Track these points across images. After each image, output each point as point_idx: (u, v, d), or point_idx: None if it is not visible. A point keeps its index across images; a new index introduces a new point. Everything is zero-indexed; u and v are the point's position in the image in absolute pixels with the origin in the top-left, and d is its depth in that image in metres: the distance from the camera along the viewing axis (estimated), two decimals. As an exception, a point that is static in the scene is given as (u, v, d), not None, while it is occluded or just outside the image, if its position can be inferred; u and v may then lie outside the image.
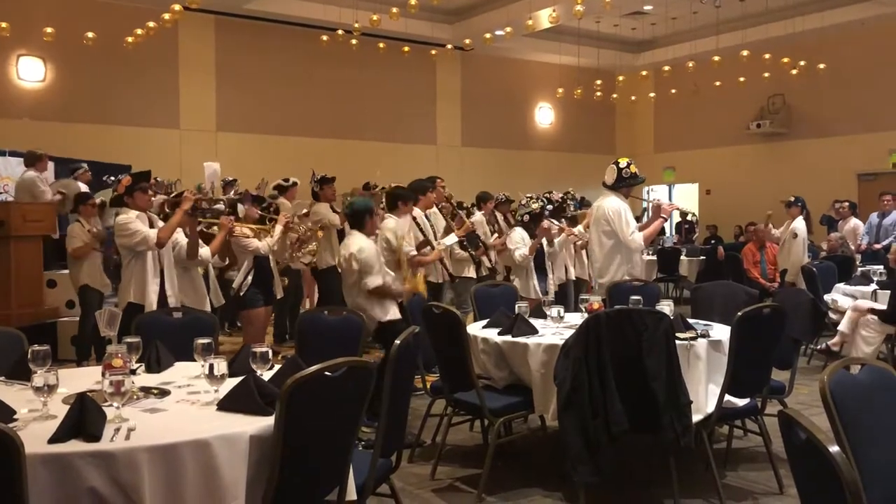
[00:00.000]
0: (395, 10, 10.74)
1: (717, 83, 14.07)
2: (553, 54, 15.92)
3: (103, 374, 2.60)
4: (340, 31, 11.80)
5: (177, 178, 10.19)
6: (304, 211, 7.77)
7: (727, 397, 3.98)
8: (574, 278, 7.58)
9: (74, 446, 2.26)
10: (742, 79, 13.76)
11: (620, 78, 16.58)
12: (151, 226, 5.27)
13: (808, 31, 13.75)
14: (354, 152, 14.27)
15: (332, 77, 14.51)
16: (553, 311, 4.69)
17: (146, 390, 2.94)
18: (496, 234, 8.54)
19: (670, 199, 17.96)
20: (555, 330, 4.45)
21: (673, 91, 15.37)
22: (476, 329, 4.58)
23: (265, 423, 2.47)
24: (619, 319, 3.76)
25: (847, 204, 11.40)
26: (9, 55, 11.94)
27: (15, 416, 2.52)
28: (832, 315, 7.30)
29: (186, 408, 2.75)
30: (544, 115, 18.03)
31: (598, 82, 14.91)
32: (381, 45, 12.63)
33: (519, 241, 6.82)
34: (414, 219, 6.53)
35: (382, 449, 3.02)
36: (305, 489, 2.60)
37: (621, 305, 4.42)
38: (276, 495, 2.44)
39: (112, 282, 7.26)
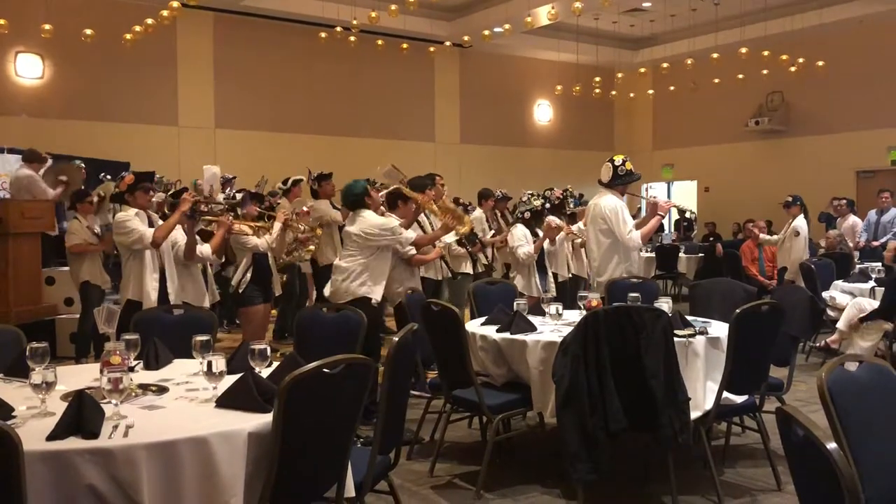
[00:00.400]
0: (393, 6, 10.73)
1: (716, 80, 14.06)
2: (552, 51, 15.91)
3: (102, 372, 2.60)
4: (339, 28, 11.79)
5: (177, 179, 10.17)
6: (305, 208, 7.76)
7: (725, 394, 3.98)
8: (572, 275, 7.58)
9: (73, 443, 2.26)
10: (741, 76, 13.76)
11: (619, 75, 16.57)
12: (151, 224, 5.28)
13: (806, 29, 13.77)
14: (353, 149, 14.26)
15: (331, 74, 14.50)
16: (552, 308, 4.69)
17: (144, 387, 2.94)
18: (493, 232, 8.54)
19: (669, 196, 17.98)
20: (553, 327, 4.45)
21: (671, 88, 15.37)
22: (475, 326, 4.58)
23: (263, 420, 2.47)
24: (617, 317, 3.76)
25: (845, 201, 11.41)
26: (7, 52, 11.92)
27: (13, 413, 2.52)
28: (830, 312, 7.31)
29: (185, 405, 2.75)
30: (543, 113, 18.02)
31: (597, 79, 14.90)
32: (380, 42, 12.61)
33: (521, 239, 6.81)
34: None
35: (381, 446, 3.02)
36: (304, 486, 2.60)
37: (620, 303, 4.42)
38: (275, 492, 2.44)
39: (112, 279, 7.25)
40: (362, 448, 3.18)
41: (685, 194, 17.79)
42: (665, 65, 14.42)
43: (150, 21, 10.44)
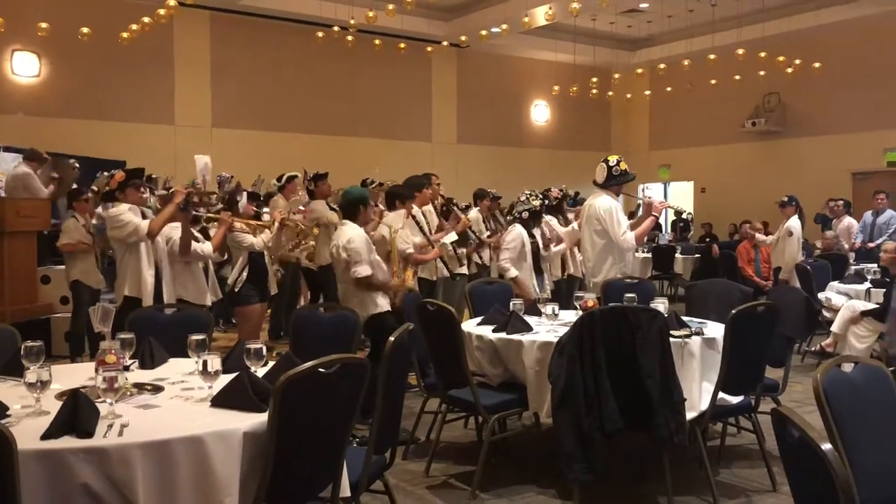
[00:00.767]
0: (391, 6, 10.73)
1: (713, 81, 14.07)
2: (549, 52, 15.91)
3: (97, 371, 2.59)
4: (336, 28, 11.77)
5: (169, 176, 10.14)
6: (303, 207, 7.75)
7: (721, 395, 3.99)
8: (568, 276, 7.56)
9: (67, 442, 2.26)
10: (737, 77, 13.77)
11: (616, 75, 16.57)
12: (144, 218, 5.26)
13: (803, 30, 13.79)
14: (350, 149, 14.25)
15: (328, 73, 14.49)
16: (548, 308, 4.69)
17: (140, 386, 2.93)
18: (488, 233, 8.53)
19: (665, 197, 17.99)
20: (549, 327, 4.45)
21: (668, 89, 15.37)
22: (471, 326, 4.58)
23: (259, 419, 2.47)
24: (613, 317, 3.77)
25: (841, 202, 11.41)
26: (3, 50, 11.89)
27: (8, 413, 2.51)
28: (826, 313, 7.32)
29: (180, 404, 2.75)
30: (540, 113, 18.02)
31: (594, 80, 14.89)
32: (377, 41, 12.59)
33: (511, 242, 6.29)
34: (413, 217, 6.51)
35: (376, 446, 3.02)
36: (299, 486, 2.60)
37: (616, 303, 4.42)
38: (270, 492, 2.44)
39: (106, 279, 7.23)
40: (358, 448, 3.18)
41: (682, 195, 17.81)
42: (662, 65, 14.41)
43: (146, 20, 10.41)
